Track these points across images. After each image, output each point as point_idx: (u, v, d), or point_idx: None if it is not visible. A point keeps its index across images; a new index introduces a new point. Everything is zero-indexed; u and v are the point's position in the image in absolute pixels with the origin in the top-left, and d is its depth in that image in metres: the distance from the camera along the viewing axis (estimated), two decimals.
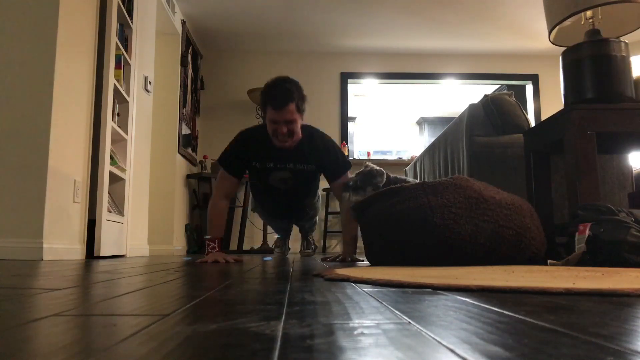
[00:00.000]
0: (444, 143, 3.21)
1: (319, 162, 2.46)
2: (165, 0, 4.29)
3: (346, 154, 5.59)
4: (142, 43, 3.71)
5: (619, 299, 0.69)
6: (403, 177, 2.31)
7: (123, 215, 3.26)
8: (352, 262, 2.26)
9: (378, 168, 2.21)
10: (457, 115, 3.12)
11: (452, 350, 0.36)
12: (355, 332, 0.44)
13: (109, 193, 3.09)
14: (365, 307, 0.62)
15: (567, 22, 2.18)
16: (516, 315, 0.53)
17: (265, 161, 2.43)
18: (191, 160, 5.16)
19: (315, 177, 2.65)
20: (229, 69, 5.77)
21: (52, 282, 1.01)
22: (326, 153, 2.47)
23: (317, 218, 3.34)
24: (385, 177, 2.19)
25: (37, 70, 2.51)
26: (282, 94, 2.24)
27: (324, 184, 3.00)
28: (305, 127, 2.43)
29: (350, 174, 2.43)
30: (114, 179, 3.17)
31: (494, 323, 0.49)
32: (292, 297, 0.73)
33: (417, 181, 2.34)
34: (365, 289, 0.86)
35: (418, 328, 0.46)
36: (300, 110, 2.31)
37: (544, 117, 5.57)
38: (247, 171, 2.51)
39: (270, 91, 2.27)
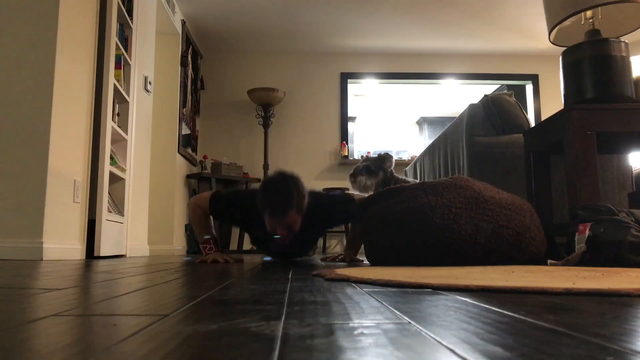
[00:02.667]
0: (444, 143, 3.21)
1: (324, 227, 2.40)
2: (165, 0, 4.28)
3: (346, 153, 5.59)
4: (142, 43, 3.71)
5: (619, 299, 0.69)
6: (403, 177, 2.32)
7: (123, 215, 3.26)
8: (352, 262, 2.26)
9: (385, 152, 2.25)
10: (457, 115, 3.12)
11: (452, 350, 0.36)
12: (355, 332, 0.44)
13: (109, 193, 3.09)
14: (365, 307, 0.62)
15: (567, 22, 2.18)
16: (516, 315, 0.53)
17: (265, 233, 2.19)
18: (191, 160, 5.16)
19: (318, 237, 2.57)
20: (229, 69, 5.77)
21: (52, 282, 1.01)
22: (330, 218, 2.34)
23: None
24: (391, 160, 2.23)
25: (37, 70, 2.51)
26: (280, 202, 2.01)
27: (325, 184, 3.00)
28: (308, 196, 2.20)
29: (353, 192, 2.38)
30: (114, 179, 3.17)
31: (494, 323, 0.49)
32: (292, 297, 0.73)
33: (417, 181, 2.35)
34: (365, 289, 0.86)
35: (418, 328, 0.46)
36: (300, 210, 2.08)
37: (544, 117, 5.57)
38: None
39: (269, 197, 2.04)
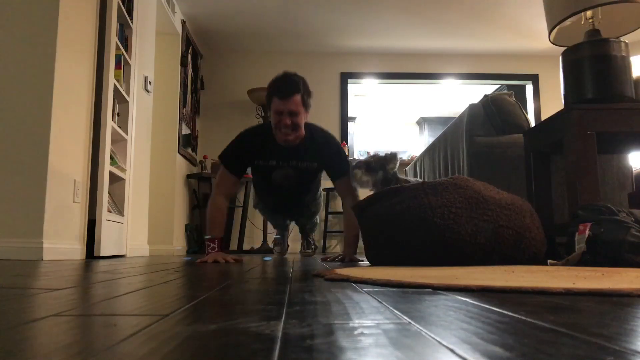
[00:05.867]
0: (444, 143, 3.21)
1: (321, 159, 2.46)
2: (165, 0, 4.28)
3: (346, 153, 5.59)
4: (142, 43, 3.71)
5: (619, 299, 0.69)
6: (405, 177, 2.31)
7: (123, 215, 3.26)
8: (352, 262, 2.26)
9: (392, 153, 2.24)
10: (457, 115, 3.12)
11: (452, 350, 0.36)
12: (355, 332, 0.44)
13: (109, 193, 3.09)
14: (365, 307, 0.62)
15: (567, 22, 2.18)
16: (516, 315, 0.53)
17: (268, 159, 2.43)
18: (191, 160, 5.16)
19: (317, 175, 2.64)
20: (229, 69, 5.77)
21: (52, 282, 1.01)
22: (329, 151, 2.46)
23: (318, 218, 3.33)
24: (396, 161, 2.21)
25: (37, 70, 2.51)
26: (288, 84, 2.27)
27: (326, 183, 3.00)
28: (307, 126, 2.42)
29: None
30: (114, 179, 3.16)
31: (494, 323, 0.49)
32: (292, 297, 0.73)
33: (419, 180, 2.35)
34: (365, 289, 0.86)
35: (418, 328, 0.46)
36: (306, 105, 2.31)
37: (544, 117, 5.57)
38: (248, 170, 2.51)
39: (276, 82, 2.30)
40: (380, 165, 2.19)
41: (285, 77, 2.31)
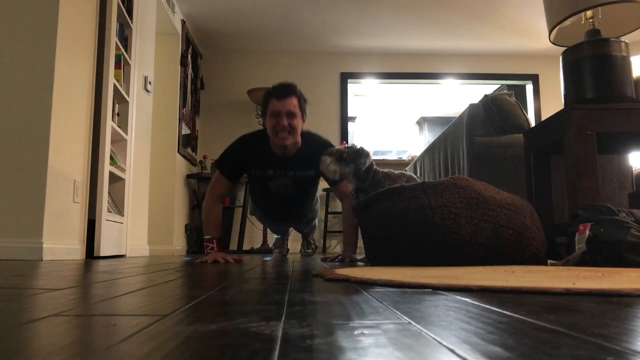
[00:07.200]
0: (444, 143, 3.21)
1: (317, 172, 2.43)
2: (165, 0, 4.28)
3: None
4: (142, 43, 3.71)
5: (619, 299, 0.69)
6: (389, 170, 2.29)
7: (123, 215, 3.26)
8: (352, 262, 2.26)
9: (367, 150, 2.22)
10: (457, 115, 3.12)
11: (452, 351, 0.36)
12: (356, 332, 0.44)
13: (109, 193, 3.09)
14: (366, 307, 0.62)
15: (567, 22, 2.18)
16: (516, 315, 0.53)
17: (265, 168, 2.42)
18: (191, 160, 5.16)
19: (315, 183, 2.64)
20: (229, 69, 5.77)
21: (52, 282, 1.01)
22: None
23: (317, 221, 3.33)
24: (369, 160, 2.17)
25: (37, 70, 2.51)
26: (285, 87, 2.30)
27: (323, 184, 3.00)
28: (304, 135, 2.42)
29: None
30: (114, 179, 3.16)
31: (494, 323, 0.49)
32: (292, 297, 0.73)
33: (405, 173, 2.34)
34: (365, 289, 0.86)
35: (418, 328, 0.46)
36: (302, 109, 2.33)
37: (544, 117, 5.57)
38: (245, 174, 2.50)
39: (273, 87, 2.33)
40: (352, 159, 2.15)
41: (282, 83, 2.34)
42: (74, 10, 2.72)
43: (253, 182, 2.56)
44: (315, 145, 2.42)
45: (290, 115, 2.26)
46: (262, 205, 2.74)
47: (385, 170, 2.29)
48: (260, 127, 2.53)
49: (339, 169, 2.14)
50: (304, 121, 2.37)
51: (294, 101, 2.28)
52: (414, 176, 2.36)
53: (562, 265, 1.61)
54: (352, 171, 2.15)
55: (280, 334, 0.43)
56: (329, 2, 4.68)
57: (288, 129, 2.27)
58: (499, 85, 6.36)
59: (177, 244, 4.61)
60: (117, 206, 3.25)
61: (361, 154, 2.15)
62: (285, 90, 2.28)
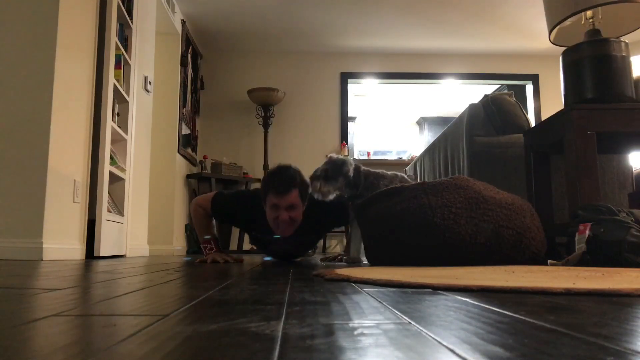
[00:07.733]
0: (444, 143, 3.21)
1: (321, 226, 2.41)
2: (165, 0, 4.28)
3: (346, 154, 5.59)
4: (142, 43, 3.71)
5: (619, 299, 0.69)
6: (381, 171, 2.26)
7: (123, 215, 3.26)
8: (352, 262, 2.26)
9: (341, 157, 2.18)
10: (457, 115, 3.12)
11: (452, 351, 0.36)
12: (356, 332, 0.44)
13: (109, 193, 3.09)
14: (366, 307, 0.62)
15: (567, 22, 2.18)
16: (516, 315, 0.53)
17: (264, 234, 2.33)
18: (191, 160, 5.16)
19: (318, 237, 2.59)
20: (229, 69, 5.77)
21: (52, 282, 1.01)
22: (326, 218, 2.37)
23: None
24: (349, 164, 2.14)
25: (37, 70, 2.51)
26: (285, 180, 2.12)
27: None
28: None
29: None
30: (114, 179, 3.16)
31: (494, 323, 0.49)
32: (292, 297, 0.73)
33: (397, 174, 2.33)
34: (365, 289, 0.86)
35: (418, 328, 0.46)
36: (303, 198, 2.18)
37: (544, 117, 5.57)
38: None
39: (272, 177, 2.16)
40: (338, 172, 2.11)
41: (280, 172, 2.16)
42: (74, 10, 2.72)
43: (251, 235, 2.52)
44: (315, 212, 2.27)
45: (291, 208, 2.13)
46: (262, 248, 2.63)
47: (378, 170, 2.26)
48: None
49: (331, 187, 2.11)
50: (304, 206, 2.22)
51: (294, 194, 2.11)
52: (406, 177, 2.32)
53: (562, 265, 1.61)
54: (344, 183, 2.13)
55: (280, 334, 0.43)
56: (329, 2, 4.68)
57: (289, 221, 2.15)
58: (499, 85, 6.36)
59: (177, 244, 4.62)
60: (117, 206, 3.25)
61: (343, 163, 2.13)
62: (285, 184, 2.11)
